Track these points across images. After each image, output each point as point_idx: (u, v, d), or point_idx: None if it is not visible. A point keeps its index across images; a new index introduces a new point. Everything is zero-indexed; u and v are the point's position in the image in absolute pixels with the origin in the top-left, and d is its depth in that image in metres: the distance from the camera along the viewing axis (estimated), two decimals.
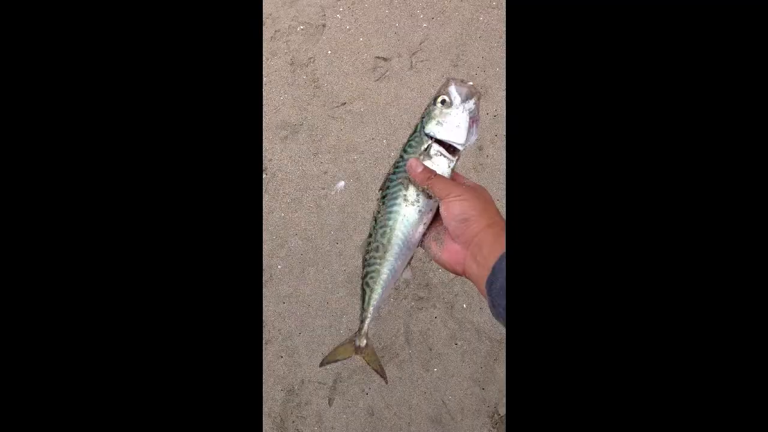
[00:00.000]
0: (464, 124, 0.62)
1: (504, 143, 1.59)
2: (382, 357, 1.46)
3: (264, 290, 1.55)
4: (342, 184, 1.60)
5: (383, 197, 0.66)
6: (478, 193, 0.61)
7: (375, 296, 0.67)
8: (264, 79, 1.79)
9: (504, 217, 0.57)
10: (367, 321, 0.68)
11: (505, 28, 1.67)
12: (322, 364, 0.76)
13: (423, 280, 1.51)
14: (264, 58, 1.80)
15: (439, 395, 1.40)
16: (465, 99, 0.62)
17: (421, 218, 0.64)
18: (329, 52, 1.79)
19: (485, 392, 1.38)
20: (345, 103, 1.68)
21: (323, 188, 1.60)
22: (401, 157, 0.65)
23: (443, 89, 0.63)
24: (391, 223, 0.64)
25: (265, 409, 1.46)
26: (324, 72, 1.76)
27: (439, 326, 1.47)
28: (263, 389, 1.47)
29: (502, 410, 1.36)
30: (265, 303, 1.54)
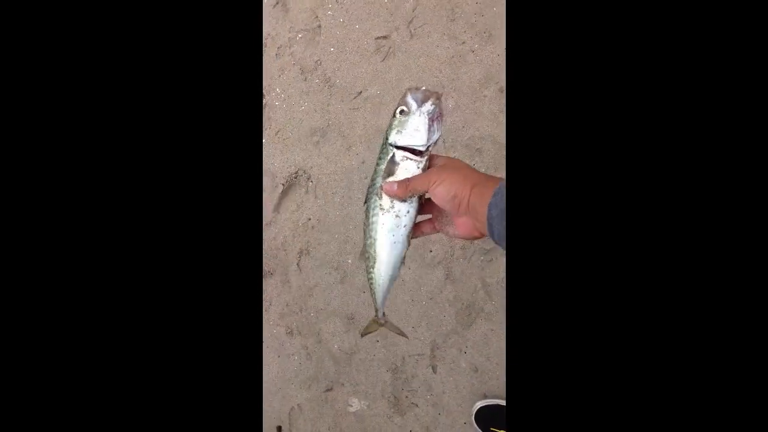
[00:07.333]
0: (423, 127, 0.66)
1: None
2: (469, 315, 1.50)
3: (341, 286, 1.64)
4: None
5: (366, 209, 0.71)
6: (451, 167, 0.65)
7: (378, 297, 0.76)
8: (282, 94, 1.86)
9: (482, 171, 0.63)
10: (380, 311, 0.81)
11: None
12: (362, 335, 1.00)
13: None
14: (277, 75, 1.88)
15: None
16: (421, 103, 0.66)
17: (400, 221, 0.69)
18: (332, 49, 1.83)
19: None
20: (361, 92, 1.73)
21: (366, 177, 1.65)
22: (376, 168, 0.70)
23: (402, 100, 0.68)
24: (374, 234, 0.70)
25: (378, 391, 1.55)
26: (333, 69, 1.81)
27: None
28: (373, 374, 1.56)
29: None
30: (347, 296, 1.63)
